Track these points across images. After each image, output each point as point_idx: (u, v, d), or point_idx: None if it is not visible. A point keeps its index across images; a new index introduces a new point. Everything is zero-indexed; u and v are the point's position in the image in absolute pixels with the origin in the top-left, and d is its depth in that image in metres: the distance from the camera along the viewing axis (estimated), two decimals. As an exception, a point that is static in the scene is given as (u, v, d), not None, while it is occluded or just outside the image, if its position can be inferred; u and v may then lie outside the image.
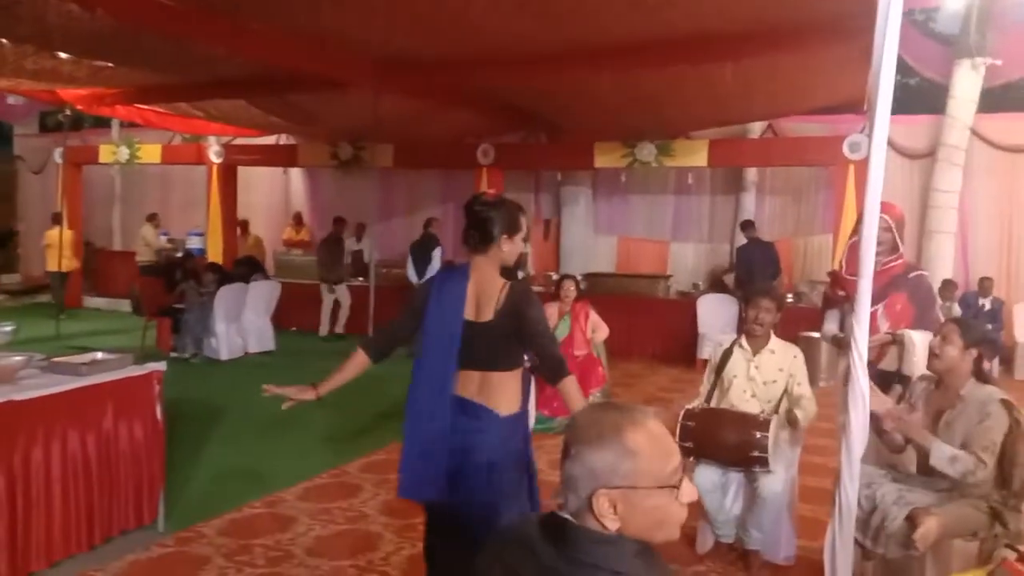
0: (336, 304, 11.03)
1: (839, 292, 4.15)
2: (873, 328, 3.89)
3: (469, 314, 2.75)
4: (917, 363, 3.69)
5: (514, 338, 2.73)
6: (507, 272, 2.84)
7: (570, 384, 2.73)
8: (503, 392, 2.76)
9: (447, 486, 2.76)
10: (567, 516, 1.44)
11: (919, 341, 3.75)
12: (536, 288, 9.92)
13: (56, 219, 12.84)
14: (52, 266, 12.65)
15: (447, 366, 2.74)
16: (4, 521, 3.36)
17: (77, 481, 3.70)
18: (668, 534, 1.45)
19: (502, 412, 2.75)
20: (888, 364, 3.97)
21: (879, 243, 3.96)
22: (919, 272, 4.14)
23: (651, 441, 1.41)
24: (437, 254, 9.87)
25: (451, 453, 2.75)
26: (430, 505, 2.88)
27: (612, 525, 1.40)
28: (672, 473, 1.41)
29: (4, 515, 3.36)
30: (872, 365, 3.85)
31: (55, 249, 12.48)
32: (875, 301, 3.93)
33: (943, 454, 3.01)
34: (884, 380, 3.77)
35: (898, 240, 3.99)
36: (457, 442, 2.75)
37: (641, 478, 1.39)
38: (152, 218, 13.31)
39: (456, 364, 2.74)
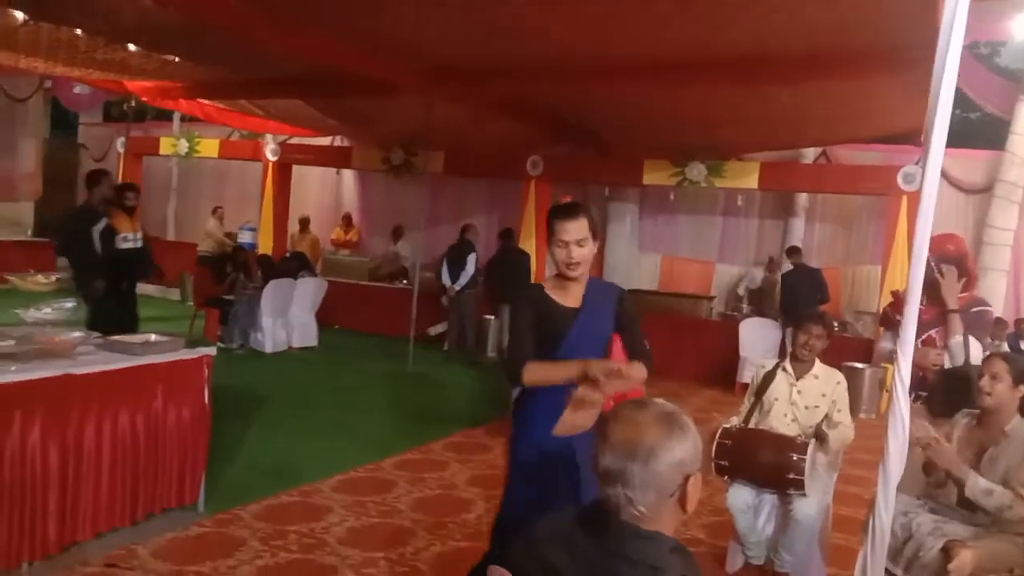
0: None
1: (898, 317, 4.12)
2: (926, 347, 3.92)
3: None
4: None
5: None
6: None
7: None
8: None
9: None
10: (624, 511, 1.49)
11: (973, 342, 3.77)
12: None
13: None
14: None
15: None
16: (55, 490, 3.49)
17: (125, 457, 3.83)
18: None
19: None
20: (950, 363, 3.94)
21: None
22: (982, 308, 4.09)
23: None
24: (471, 260, 9.95)
25: None
26: None
27: (690, 508, 1.51)
28: None
29: (55, 484, 3.49)
30: (940, 371, 3.85)
31: None
32: (933, 326, 3.92)
33: (978, 486, 2.99)
34: (954, 377, 3.72)
35: (936, 276, 3.94)
36: None
37: (700, 457, 1.52)
38: (216, 211, 13.66)
39: None
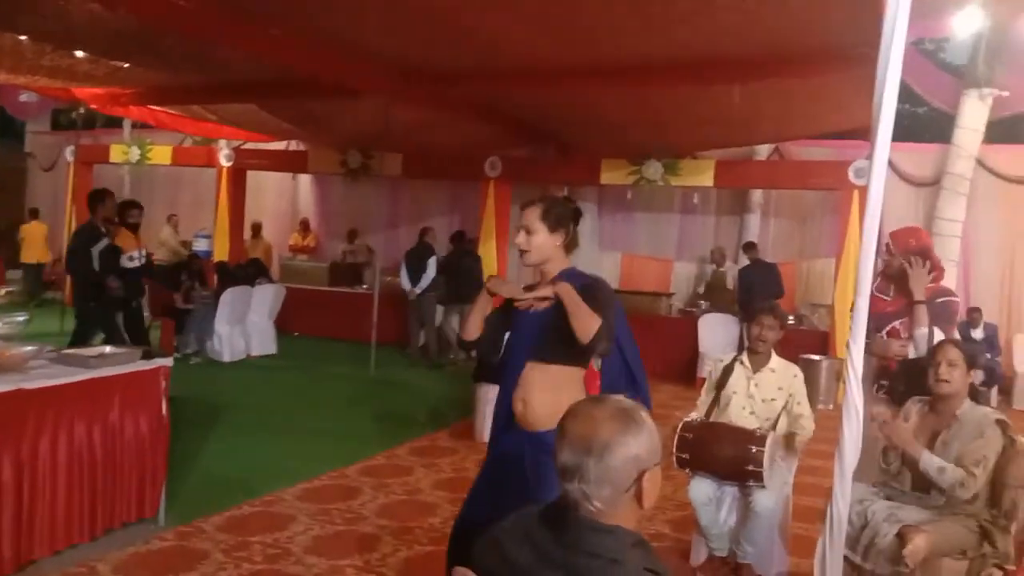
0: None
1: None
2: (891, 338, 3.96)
3: None
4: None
5: None
6: None
7: None
8: None
9: None
10: (581, 507, 1.50)
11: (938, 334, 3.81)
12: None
13: (33, 214, 14.18)
14: (27, 258, 13.66)
15: None
16: (10, 508, 3.42)
17: (82, 472, 3.76)
18: None
19: None
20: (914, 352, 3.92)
21: (885, 264, 4.00)
22: (947, 298, 4.07)
23: (651, 419, 1.54)
24: (432, 263, 9.94)
25: None
26: None
27: (647, 503, 1.50)
28: None
29: (10, 502, 3.42)
30: (903, 360, 3.89)
31: (30, 241, 13.66)
32: (898, 317, 3.97)
33: (931, 464, 3.07)
34: (916, 367, 3.75)
35: (906, 267, 4.00)
36: None
37: (659, 452, 1.52)
38: (171, 219, 13.47)
39: None
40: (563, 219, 2.78)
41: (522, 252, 2.79)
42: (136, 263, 7.02)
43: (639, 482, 1.49)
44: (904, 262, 3.98)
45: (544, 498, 2.53)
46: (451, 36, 6.13)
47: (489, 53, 6.55)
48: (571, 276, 2.80)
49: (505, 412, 2.83)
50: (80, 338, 6.60)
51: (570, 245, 2.83)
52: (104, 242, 6.75)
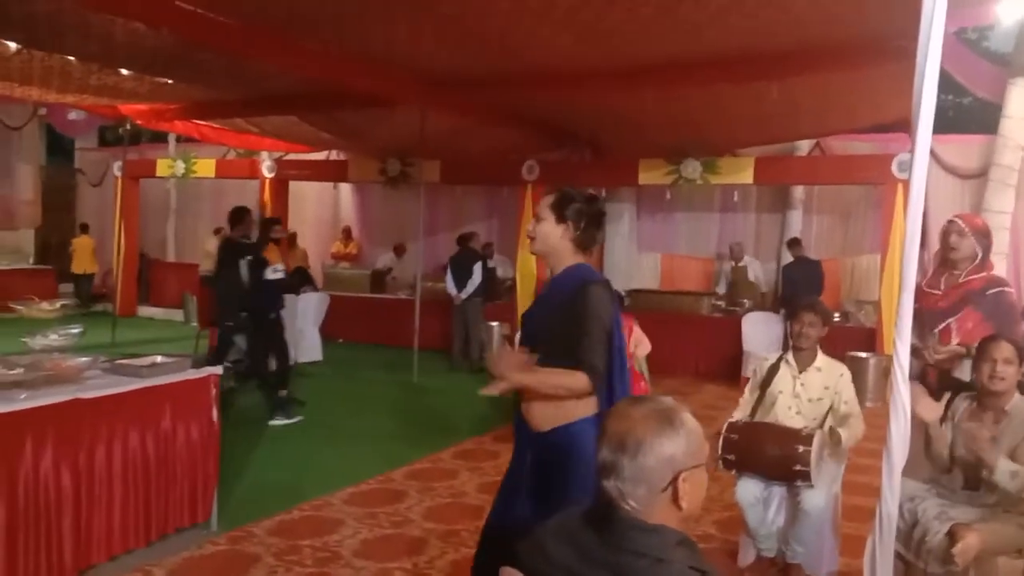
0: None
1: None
2: (945, 341, 3.81)
3: None
4: None
5: None
6: None
7: None
8: None
9: None
10: (620, 506, 1.51)
11: None
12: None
13: (83, 228, 15.05)
14: (76, 269, 14.50)
15: None
16: (68, 515, 3.52)
17: (136, 479, 3.86)
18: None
19: None
20: (962, 373, 3.75)
21: (953, 248, 3.89)
22: (999, 289, 3.88)
23: (695, 421, 1.54)
24: (478, 268, 9.96)
25: None
26: None
27: (686, 504, 1.50)
28: None
29: (68, 509, 3.52)
30: (947, 373, 3.78)
31: (80, 253, 14.45)
32: (949, 315, 3.85)
33: (1006, 469, 2.98)
34: (958, 388, 3.64)
35: (978, 250, 3.89)
36: None
37: (701, 455, 1.53)
38: (218, 232, 13.72)
39: None
40: (575, 213, 2.66)
41: (530, 240, 2.74)
42: (279, 275, 7.27)
43: (675, 483, 1.49)
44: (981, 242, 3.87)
45: (550, 498, 2.51)
46: (481, 43, 6.17)
47: (519, 59, 6.59)
48: (567, 278, 2.67)
49: (517, 411, 2.75)
50: (223, 350, 6.94)
51: (581, 242, 2.68)
52: (250, 255, 7.02)
